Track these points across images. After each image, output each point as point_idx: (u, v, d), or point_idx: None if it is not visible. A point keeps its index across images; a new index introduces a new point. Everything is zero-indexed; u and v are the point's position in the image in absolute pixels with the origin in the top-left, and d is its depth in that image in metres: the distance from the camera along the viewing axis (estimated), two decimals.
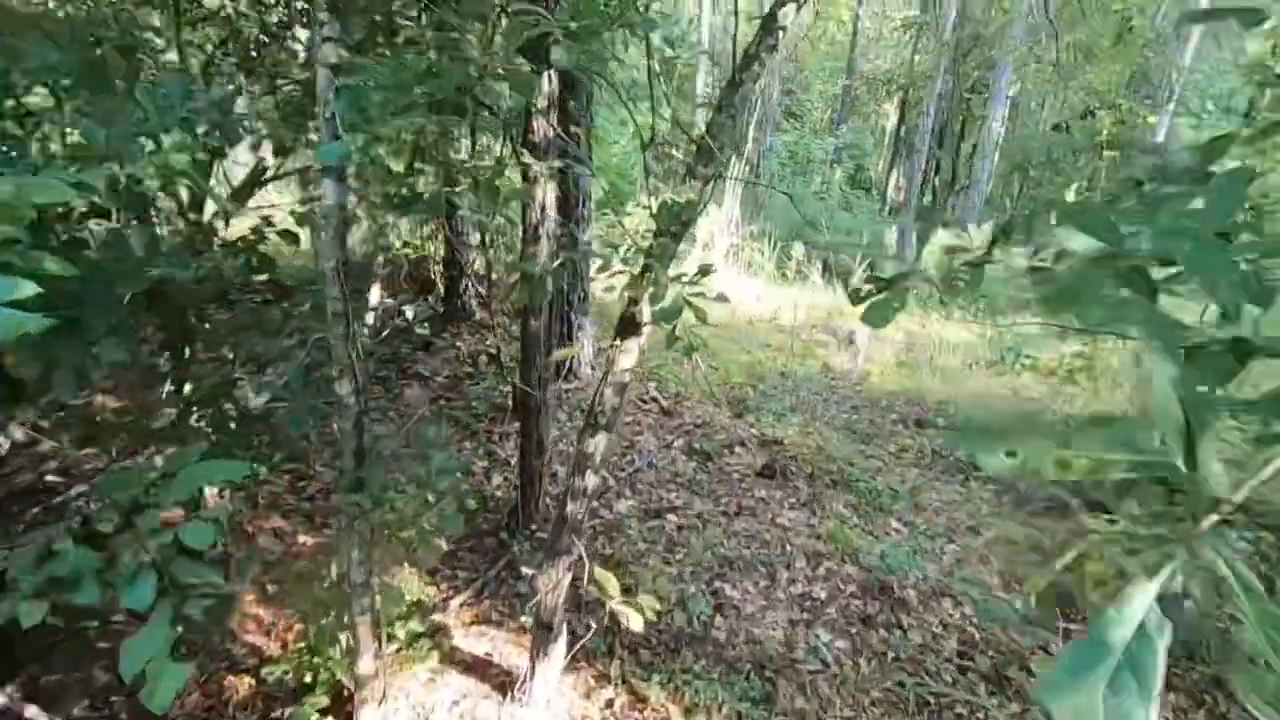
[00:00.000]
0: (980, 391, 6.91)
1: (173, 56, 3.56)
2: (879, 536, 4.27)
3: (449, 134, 3.68)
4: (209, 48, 4.06)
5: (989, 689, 3.13)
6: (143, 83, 2.21)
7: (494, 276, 6.66)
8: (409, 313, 4.58)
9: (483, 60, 1.90)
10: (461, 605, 3.28)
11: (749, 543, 4.05)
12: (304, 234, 3.06)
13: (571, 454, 3.04)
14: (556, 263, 3.08)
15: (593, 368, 5.89)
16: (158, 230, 2.79)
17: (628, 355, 2.34)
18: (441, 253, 6.92)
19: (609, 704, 2.86)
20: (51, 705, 2.60)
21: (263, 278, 2.79)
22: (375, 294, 2.68)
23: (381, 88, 1.65)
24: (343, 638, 2.58)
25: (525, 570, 3.34)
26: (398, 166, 2.79)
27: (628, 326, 2.30)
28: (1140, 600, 0.67)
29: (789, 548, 4.03)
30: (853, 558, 3.98)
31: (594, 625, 3.13)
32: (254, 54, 3.86)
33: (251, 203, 3.73)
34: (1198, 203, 0.70)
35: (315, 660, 2.55)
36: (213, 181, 3.39)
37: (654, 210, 2.10)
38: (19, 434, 2.94)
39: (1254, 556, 1.75)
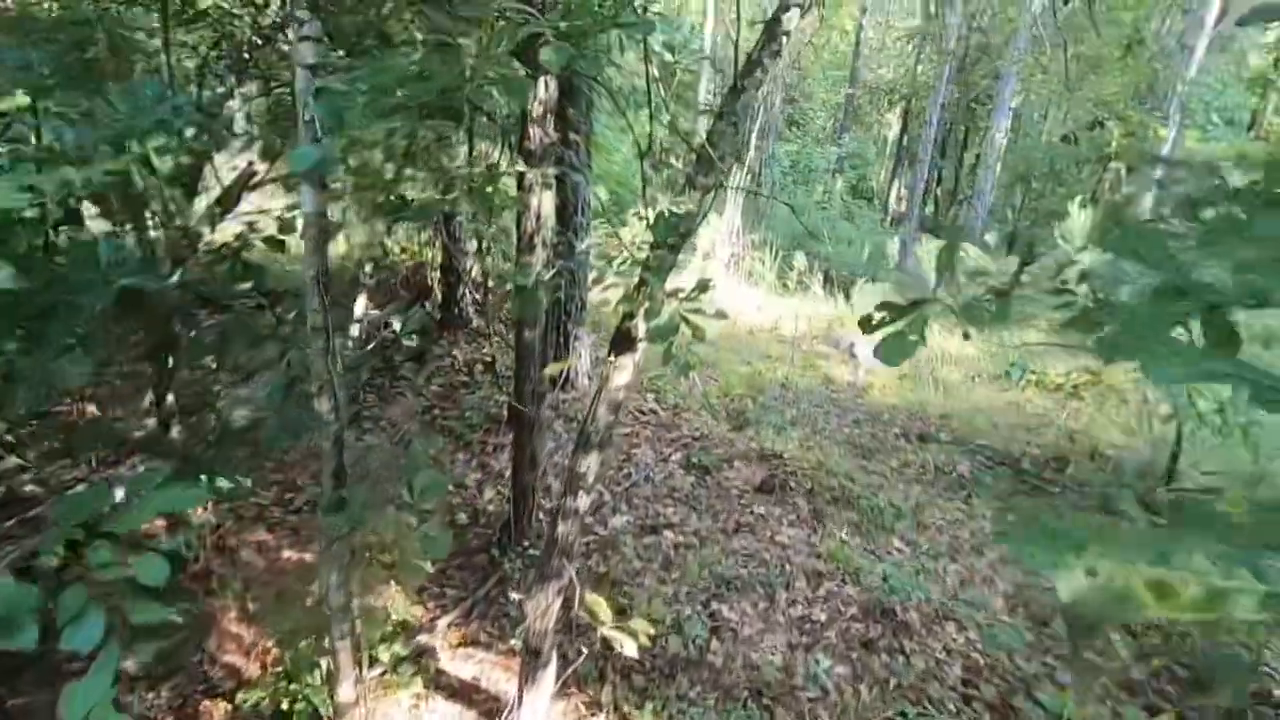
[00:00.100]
0: (983, 406, 6.80)
1: (170, 58, 3.49)
2: (880, 556, 4.16)
3: (445, 139, 3.60)
4: (202, 49, 3.99)
5: None
6: (118, 84, 2.12)
7: (490, 284, 6.57)
8: (396, 324, 4.48)
9: (473, 63, 1.81)
10: (449, 626, 3.17)
11: (747, 561, 3.94)
12: (293, 240, 2.97)
13: (569, 455, 2.94)
14: (551, 274, 2.99)
15: (590, 378, 5.78)
16: (150, 234, 2.70)
17: (622, 371, 2.24)
18: (439, 259, 6.84)
19: None
20: None
21: (246, 285, 2.70)
22: (361, 304, 2.59)
23: (363, 90, 1.56)
24: (323, 663, 2.47)
25: (514, 596, 3.23)
26: (388, 172, 2.70)
27: (623, 342, 2.20)
28: None
29: (788, 567, 3.92)
30: (854, 578, 3.87)
31: (585, 650, 3.01)
32: (246, 56, 3.78)
33: (242, 207, 3.64)
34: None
35: (293, 687, 2.44)
36: (201, 185, 3.31)
37: (651, 221, 2.00)
38: None
39: None
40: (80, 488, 3.47)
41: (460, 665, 2.98)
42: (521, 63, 2.41)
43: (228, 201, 3.26)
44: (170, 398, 2.98)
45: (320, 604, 2.59)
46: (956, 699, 3.11)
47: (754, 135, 12.33)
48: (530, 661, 2.55)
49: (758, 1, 11.20)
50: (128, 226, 2.62)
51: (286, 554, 3.57)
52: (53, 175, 1.63)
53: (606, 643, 2.30)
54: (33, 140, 2.25)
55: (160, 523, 3.36)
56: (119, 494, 1.52)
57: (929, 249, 10.55)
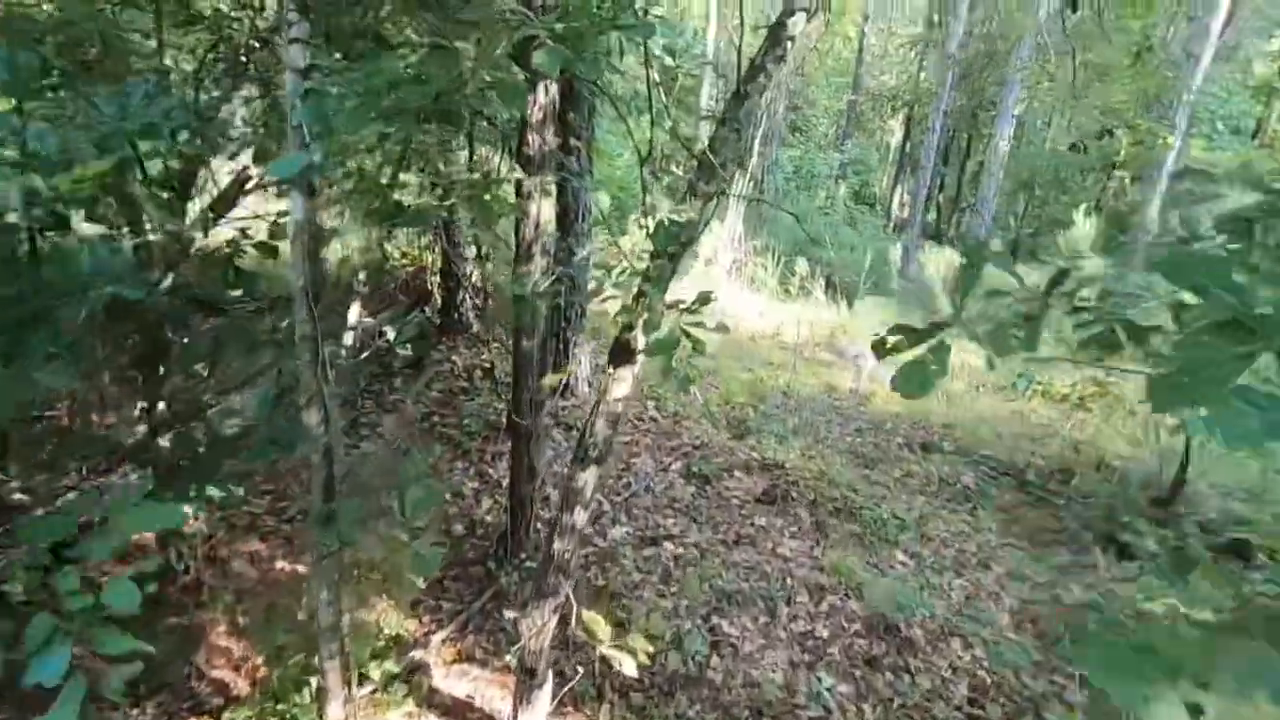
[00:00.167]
0: (988, 415, 6.72)
1: (166, 60, 3.44)
2: (884, 570, 4.08)
3: (443, 144, 3.55)
4: (200, 51, 3.93)
5: None
6: (109, 87, 2.07)
7: (490, 288, 6.51)
8: (390, 333, 4.42)
9: (469, 66, 1.75)
10: (443, 641, 3.10)
11: (748, 574, 3.87)
12: (287, 246, 2.91)
13: (566, 469, 2.87)
14: (548, 284, 2.93)
15: (590, 385, 5.72)
16: (141, 240, 2.64)
17: (621, 384, 2.18)
18: (439, 263, 6.78)
19: None
20: None
21: (238, 293, 2.64)
22: (355, 312, 2.54)
23: (354, 94, 1.50)
24: (313, 681, 2.40)
25: (509, 614, 3.16)
26: (383, 177, 2.65)
27: (622, 353, 2.14)
28: None
29: (790, 580, 3.85)
30: (856, 592, 3.79)
31: (582, 668, 2.94)
32: (244, 59, 3.73)
33: (238, 212, 3.58)
34: None
35: (280, 706, 2.37)
36: (195, 190, 3.25)
37: (651, 230, 1.94)
38: None
39: None
40: (71, 495, 3.41)
41: (454, 682, 2.91)
42: (520, 67, 2.35)
43: (221, 206, 3.21)
44: (161, 405, 2.92)
45: (311, 619, 2.52)
46: (962, 719, 3.03)
47: (756, 141, 12.29)
48: (525, 681, 2.48)
49: (761, 6, 11.16)
50: (120, 231, 2.57)
51: (280, 564, 3.50)
52: (33, 180, 1.57)
53: (605, 660, 2.23)
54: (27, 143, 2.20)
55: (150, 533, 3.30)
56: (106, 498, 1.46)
57: (933, 256, 10.49)
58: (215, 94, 3.51)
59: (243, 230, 2.72)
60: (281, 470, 3.98)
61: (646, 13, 2.19)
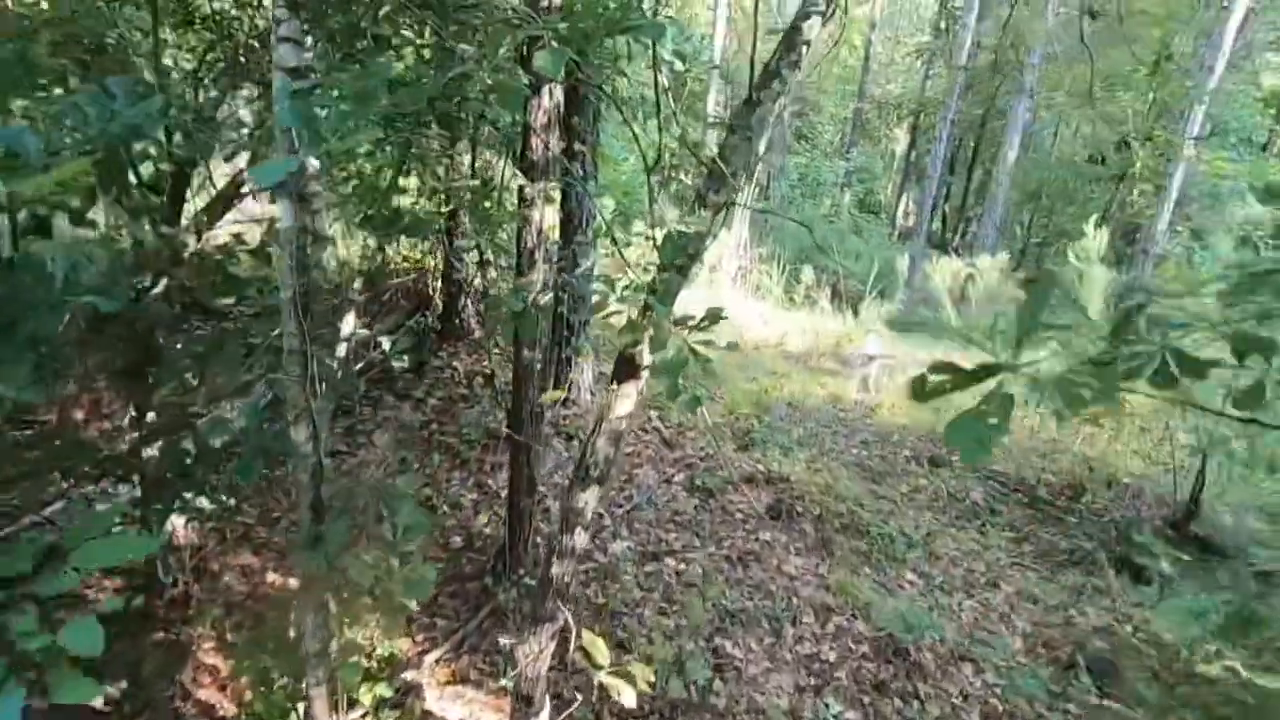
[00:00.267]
0: None
1: (165, 60, 3.36)
2: (892, 589, 3.98)
3: (445, 149, 3.47)
4: (199, 51, 3.86)
5: None
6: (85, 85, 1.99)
7: (491, 293, 6.43)
8: (386, 343, 4.33)
9: (470, 68, 1.66)
10: (438, 661, 3.00)
11: (753, 593, 3.76)
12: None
13: (565, 488, 2.78)
14: (548, 296, 2.84)
15: (592, 393, 5.62)
16: (130, 245, 2.56)
17: (625, 400, 2.08)
18: (440, 268, 6.69)
19: None
20: None
21: (230, 300, 2.55)
22: (350, 322, 2.46)
23: (345, 96, 1.41)
24: (300, 707, 2.31)
25: (504, 641, 3.05)
26: (381, 182, 2.56)
27: (626, 369, 2.04)
28: None
29: (795, 600, 3.74)
30: (864, 613, 3.68)
31: (581, 695, 2.84)
32: (242, 59, 3.66)
33: (232, 216, 3.50)
34: None
35: None
36: (189, 192, 3.17)
37: (658, 242, 1.85)
38: None
39: None
40: (58, 504, 3.32)
41: (448, 705, 2.81)
42: (524, 69, 2.26)
43: (214, 211, 3.13)
44: (150, 415, 2.83)
45: (300, 640, 2.43)
46: None
47: (763, 148, 12.22)
48: (521, 709, 2.38)
49: (770, 10, 11.10)
50: (109, 235, 2.49)
51: (271, 577, 3.41)
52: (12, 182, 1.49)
53: (604, 686, 2.13)
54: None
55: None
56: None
57: (939, 266, 10.39)
58: (214, 94, 3.44)
59: (237, 235, 2.63)
60: (275, 479, 3.89)
61: (656, 14, 2.10)
